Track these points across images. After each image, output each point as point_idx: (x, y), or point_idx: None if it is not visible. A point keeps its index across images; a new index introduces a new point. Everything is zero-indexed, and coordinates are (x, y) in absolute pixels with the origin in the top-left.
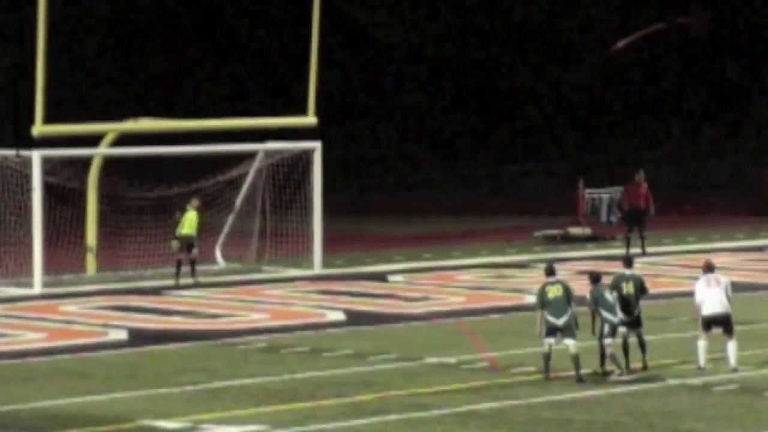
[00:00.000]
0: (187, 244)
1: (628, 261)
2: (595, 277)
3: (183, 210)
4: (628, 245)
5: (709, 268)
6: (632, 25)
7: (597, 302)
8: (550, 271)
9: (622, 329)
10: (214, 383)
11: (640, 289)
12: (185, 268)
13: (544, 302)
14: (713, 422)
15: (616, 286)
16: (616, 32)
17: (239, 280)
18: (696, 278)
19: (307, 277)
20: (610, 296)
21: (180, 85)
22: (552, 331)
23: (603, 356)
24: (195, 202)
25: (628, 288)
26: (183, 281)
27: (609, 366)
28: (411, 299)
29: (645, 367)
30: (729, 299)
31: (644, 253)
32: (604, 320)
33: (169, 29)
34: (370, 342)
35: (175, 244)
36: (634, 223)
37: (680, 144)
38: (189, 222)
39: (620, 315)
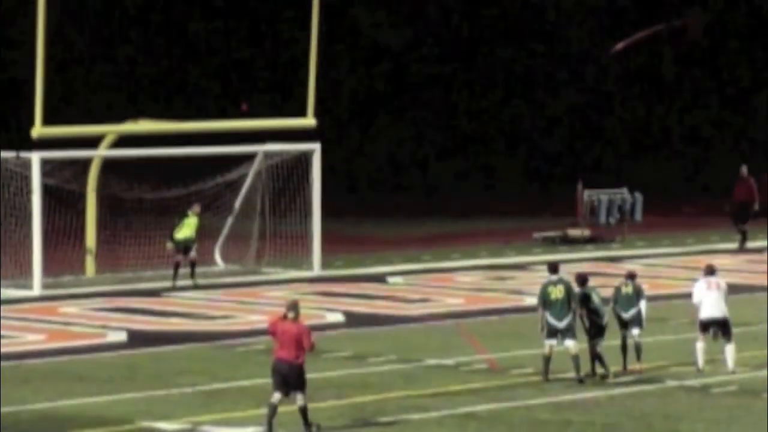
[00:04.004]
0: (185, 246)
1: (631, 276)
2: (582, 279)
3: (183, 215)
4: (743, 239)
5: (710, 271)
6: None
7: (616, 301)
8: (553, 270)
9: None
10: (213, 385)
11: (638, 292)
12: (184, 270)
13: (545, 302)
14: (712, 424)
15: (617, 288)
16: (614, 34)
17: (238, 282)
18: (695, 279)
19: (306, 279)
20: (598, 298)
21: (179, 87)
22: (553, 333)
23: (598, 359)
24: (196, 207)
25: (627, 289)
26: (182, 283)
27: (599, 368)
28: (410, 301)
29: (634, 370)
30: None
31: (741, 249)
32: (592, 322)
33: (168, 30)
34: (369, 344)
35: (169, 245)
36: (740, 217)
37: (679, 145)
38: (188, 226)
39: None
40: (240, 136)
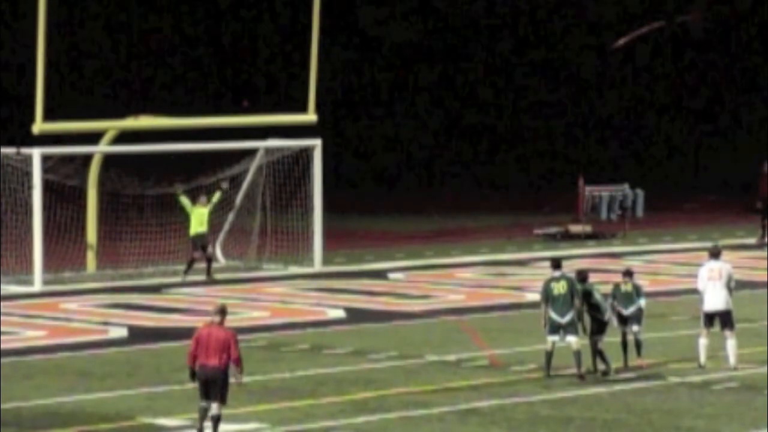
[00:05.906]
0: (202, 243)
1: (628, 273)
2: (582, 276)
3: (193, 199)
4: (764, 233)
5: (714, 254)
6: (632, 23)
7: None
8: (556, 265)
9: (619, 326)
10: None
11: (637, 289)
12: (201, 265)
13: (548, 298)
14: (713, 420)
15: (616, 286)
16: (616, 30)
17: (239, 278)
18: (699, 265)
19: (307, 275)
20: (599, 294)
21: (180, 82)
22: (555, 328)
23: (599, 355)
24: (203, 199)
25: (627, 287)
26: (193, 278)
27: (600, 365)
28: (411, 297)
29: (637, 365)
30: (731, 290)
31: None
32: (594, 318)
33: (170, 27)
34: (371, 339)
35: (179, 189)
36: (765, 211)
37: (679, 141)
38: (198, 218)
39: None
40: (241, 132)
